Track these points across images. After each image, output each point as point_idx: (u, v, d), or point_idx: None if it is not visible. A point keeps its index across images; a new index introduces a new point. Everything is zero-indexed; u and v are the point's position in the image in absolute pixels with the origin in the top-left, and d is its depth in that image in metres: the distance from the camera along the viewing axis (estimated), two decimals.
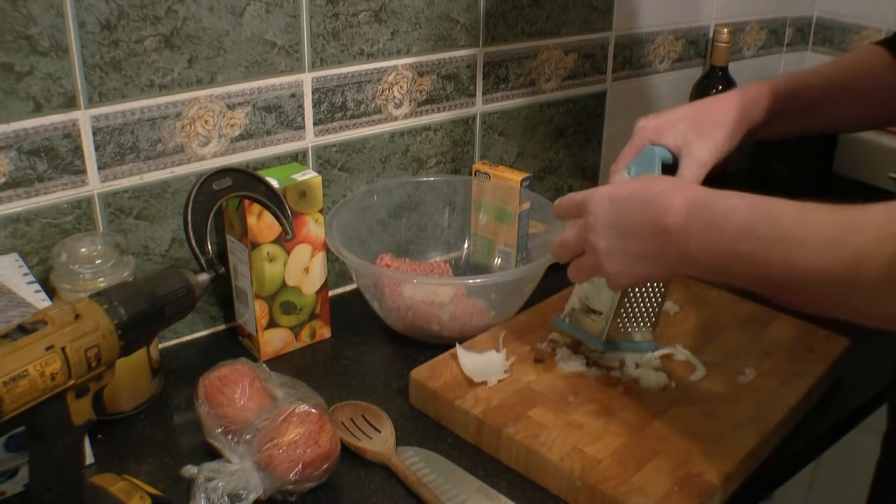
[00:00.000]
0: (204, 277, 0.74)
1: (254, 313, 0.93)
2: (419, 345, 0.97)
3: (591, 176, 1.36)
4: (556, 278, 0.92)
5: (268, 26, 0.94)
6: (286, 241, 0.91)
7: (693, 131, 0.85)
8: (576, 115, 1.29)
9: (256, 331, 0.94)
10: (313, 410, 0.74)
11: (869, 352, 0.91)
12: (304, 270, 0.95)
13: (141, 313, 0.67)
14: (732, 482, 0.76)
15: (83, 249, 0.81)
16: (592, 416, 0.81)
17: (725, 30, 1.37)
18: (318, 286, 0.97)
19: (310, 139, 1.02)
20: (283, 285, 0.93)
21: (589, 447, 0.76)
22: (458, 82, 1.13)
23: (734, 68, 1.43)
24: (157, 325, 0.70)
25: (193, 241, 0.74)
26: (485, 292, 0.97)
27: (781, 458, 0.83)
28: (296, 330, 0.97)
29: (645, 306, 0.88)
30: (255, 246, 0.90)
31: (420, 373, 0.87)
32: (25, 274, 0.78)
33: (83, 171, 0.86)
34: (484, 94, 1.17)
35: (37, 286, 0.77)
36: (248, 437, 0.73)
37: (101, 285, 0.78)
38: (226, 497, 0.69)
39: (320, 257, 0.96)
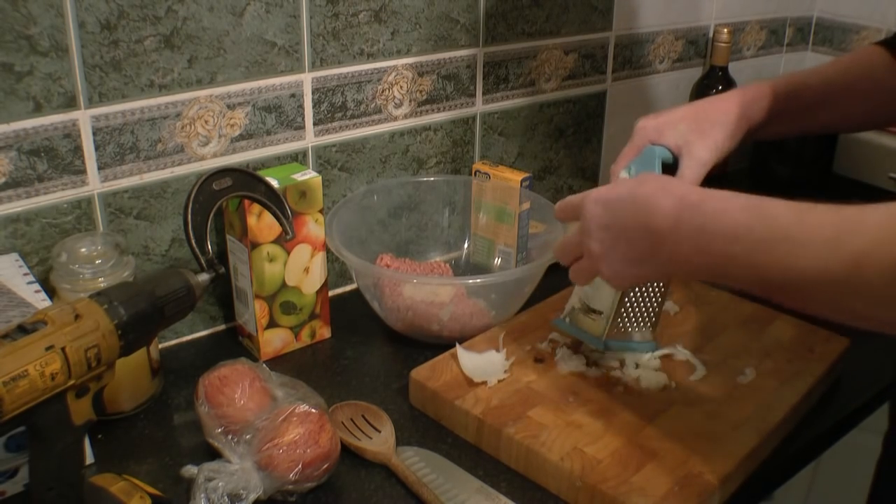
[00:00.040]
0: (204, 277, 0.74)
1: (254, 313, 0.93)
2: (419, 345, 0.97)
3: (591, 176, 1.36)
4: (556, 278, 0.92)
5: (268, 26, 0.94)
6: (286, 241, 0.91)
7: (693, 131, 0.85)
8: (576, 115, 1.29)
9: (256, 331, 0.94)
10: (313, 410, 0.74)
11: (869, 352, 0.91)
12: (304, 270, 0.95)
13: (141, 313, 0.67)
14: (732, 482, 0.76)
15: (83, 249, 0.81)
16: (592, 416, 0.81)
17: (725, 30, 1.37)
18: (318, 286, 0.97)
19: (310, 139, 1.02)
20: (283, 285, 0.93)
21: (589, 447, 0.76)
22: (458, 82, 1.13)
23: (734, 68, 1.43)
24: (157, 325, 0.70)
25: (193, 241, 0.74)
26: (485, 292, 0.97)
27: (781, 458, 0.83)
28: (296, 330, 0.97)
29: (645, 306, 0.88)
30: (255, 246, 0.90)
31: (420, 373, 0.87)
32: (25, 274, 0.78)
33: (83, 171, 0.86)
34: (484, 94, 1.17)
35: (37, 286, 0.77)
36: (248, 437, 0.73)
37: (101, 285, 0.78)
38: (226, 497, 0.69)
39: (320, 257, 0.96)
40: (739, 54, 1.52)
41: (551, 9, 1.19)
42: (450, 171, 1.17)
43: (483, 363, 0.88)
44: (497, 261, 1.13)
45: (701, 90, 1.42)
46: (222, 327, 1.01)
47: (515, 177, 1.08)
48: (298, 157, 1.01)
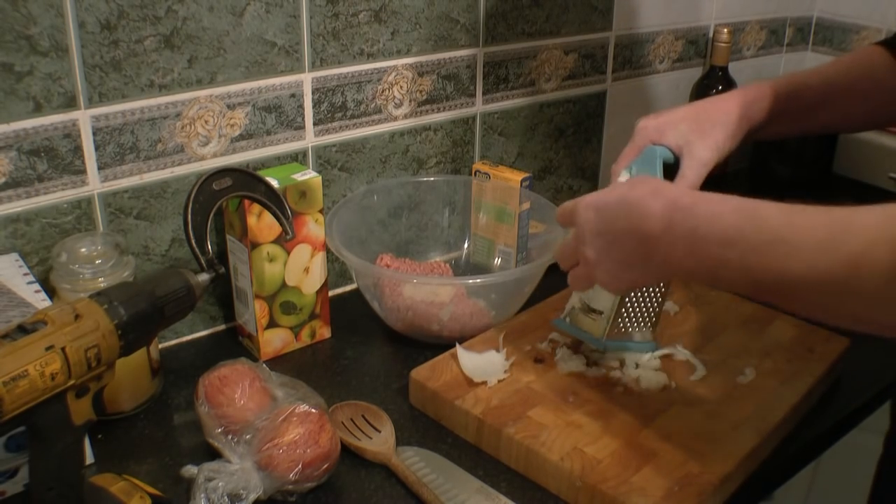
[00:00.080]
0: (204, 277, 0.74)
1: (254, 313, 0.93)
2: (419, 345, 0.97)
3: (591, 176, 1.36)
4: (556, 278, 0.92)
5: (268, 26, 0.94)
6: (286, 241, 0.91)
7: (694, 131, 0.85)
8: (576, 115, 1.29)
9: (256, 331, 0.94)
10: (313, 410, 0.74)
11: (869, 352, 0.91)
12: (304, 270, 0.95)
13: (141, 313, 0.67)
14: (732, 482, 0.76)
15: (83, 249, 0.81)
16: (592, 416, 0.81)
17: (725, 30, 1.37)
18: (318, 286, 0.97)
19: (310, 139, 1.02)
20: (283, 285, 0.93)
21: (589, 447, 0.76)
22: (458, 82, 1.13)
23: (734, 68, 1.43)
24: (157, 325, 0.70)
25: (193, 241, 0.74)
26: (485, 292, 0.97)
27: (781, 458, 0.83)
28: (296, 330, 0.97)
29: (645, 306, 0.88)
30: (255, 246, 0.90)
31: (420, 373, 0.87)
32: (25, 274, 0.78)
33: (83, 171, 0.86)
34: (484, 94, 1.17)
35: (37, 286, 0.77)
36: (248, 437, 0.73)
37: (101, 285, 0.78)
38: (226, 497, 0.69)
39: (320, 257, 0.96)
40: (739, 54, 1.52)
41: (551, 9, 1.19)
42: (450, 171, 1.17)
43: (483, 363, 0.88)
44: (497, 261, 1.13)
45: (701, 90, 1.42)
46: (222, 327, 1.01)
47: (515, 177, 1.08)
48: (298, 157, 1.01)
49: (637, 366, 0.88)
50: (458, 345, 0.89)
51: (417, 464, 0.78)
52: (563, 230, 0.98)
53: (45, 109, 0.82)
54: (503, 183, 1.09)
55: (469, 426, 0.82)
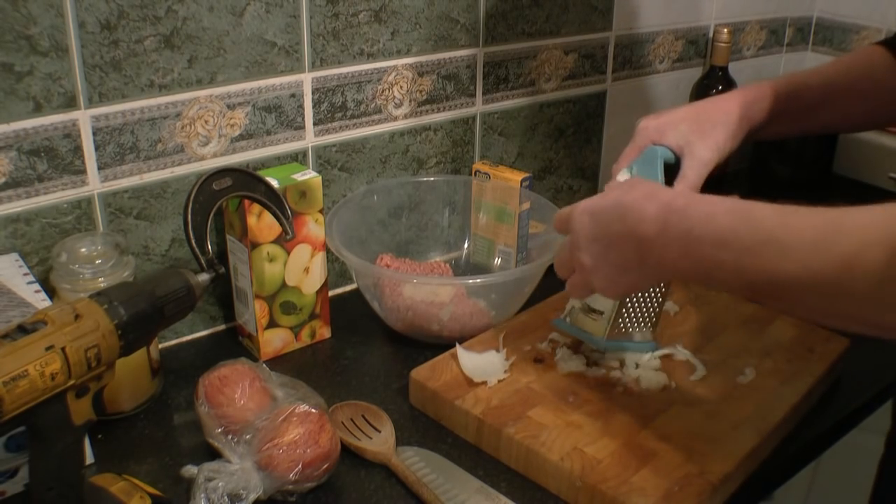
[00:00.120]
0: (204, 277, 0.74)
1: (254, 313, 0.93)
2: (419, 345, 0.97)
3: (591, 176, 1.36)
4: (555, 278, 0.92)
5: (268, 26, 0.94)
6: (286, 241, 0.91)
7: (695, 131, 0.85)
8: (576, 115, 1.29)
9: (256, 331, 0.94)
10: (313, 410, 0.74)
11: (869, 352, 0.91)
12: (304, 270, 0.95)
13: (141, 313, 0.67)
14: (732, 482, 0.76)
15: (83, 249, 0.81)
16: (592, 416, 0.81)
17: (725, 30, 1.37)
18: (318, 286, 0.97)
19: (310, 139, 1.02)
20: (283, 285, 0.93)
21: (589, 447, 0.76)
22: (458, 82, 1.13)
23: (734, 68, 1.43)
24: (157, 325, 0.70)
25: (193, 241, 0.74)
26: (485, 292, 0.97)
27: (781, 458, 0.83)
28: (296, 330, 0.97)
29: (645, 306, 0.88)
30: (255, 246, 0.90)
31: (420, 373, 0.87)
32: (25, 274, 0.78)
33: (83, 171, 0.86)
34: (484, 94, 1.17)
35: (37, 286, 0.77)
36: (248, 437, 0.73)
37: (101, 285, 0.78)
38: (226, 497, 0.69)
39: (320, 257, 0.96)
40: (739, 54, 1.52)
41: (551, 9, 1.19)
42: (450, 171, 1.17)
43: (483, 363, 0.88)
44: (497, 261, 1.13)
45: (701, 90, 1.41)
46: (222, 327, 1.01)
47: (515, 177, 1.08)
48: (298, 157, 1.01)
49: (637, 366, 0.88)
50: (458, 345, 0.89)
51: (417, 464, 0.78)
52: None
53: (45, 109, 0.82)
54: (503, 183, 1.09)
55: (469, 426, 0.82)
